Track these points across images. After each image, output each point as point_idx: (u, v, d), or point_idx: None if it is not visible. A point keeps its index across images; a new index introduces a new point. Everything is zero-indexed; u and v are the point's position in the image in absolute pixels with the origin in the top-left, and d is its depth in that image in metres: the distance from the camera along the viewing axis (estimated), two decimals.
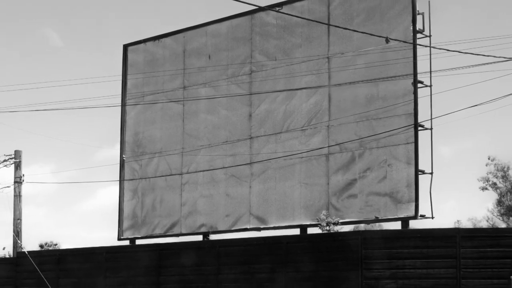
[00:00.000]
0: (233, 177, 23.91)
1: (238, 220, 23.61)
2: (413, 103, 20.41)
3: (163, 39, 26.54)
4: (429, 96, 20.48)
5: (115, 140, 27.95)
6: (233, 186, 23.88)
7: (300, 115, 22.69)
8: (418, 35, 20.58)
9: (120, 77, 27.33)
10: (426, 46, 20.38)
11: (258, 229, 23.16)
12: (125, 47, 27.46)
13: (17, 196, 28.95)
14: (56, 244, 48.21)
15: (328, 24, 21.95)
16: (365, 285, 18.79)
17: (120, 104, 27.16)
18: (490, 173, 51.70)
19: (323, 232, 20.93)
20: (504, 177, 51.40)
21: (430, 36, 20.68)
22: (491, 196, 54.12)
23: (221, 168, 24.21)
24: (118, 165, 27.06)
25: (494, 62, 19.05)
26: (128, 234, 26.42)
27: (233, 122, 24.18)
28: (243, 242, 21.72)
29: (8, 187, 29.06)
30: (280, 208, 22.72)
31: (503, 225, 50.11)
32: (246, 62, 24.08)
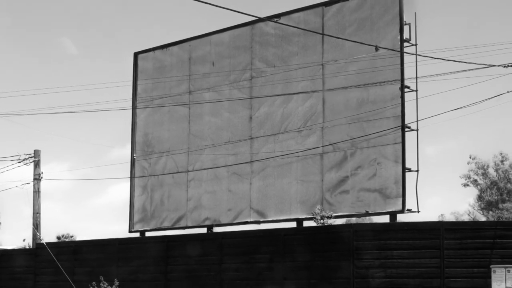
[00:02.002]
0: (235, 175, 23.89)
1: (240, 214, 23.60)
2: (400, 106, 20.39)
3: (170, 48, 26.51)
4: (415, 100, 20.48)
5: (126, 140, 27.85)
6: (235, 183, 23.86)
7: (297, 118, 22.67)
8: (405, 44, 20.57)
9: (131, 83, 27.33)
10: (412, 54, 20.38)
11: (258, 222, 23.15)
12: (136, 55, 27.44)
13: (36, 192, 28.93)
14: (72, 236, 48.15)
15: (322, 34, 21.93)
16: (356, 273, 18.77)
17: (131, 107, 27.14)
18: (471, 171, 51.72)
19: (318, 225, 20.91)
20: (484, 175, 51.41)
21: (416, 44, 20.69)
22: (472, 192, 54.17)
23: (223, 166, 24.19)
24: (129, 163, 27.04)
25: (475, 69, 19.05)
26: (138, 227, 26.41)
27: (235, 124, 24.16)
28: (244, 234, 21.70)
29: (28, 183, 29.07)
30: (278, 203, 22.70)
31: (483, 219, 50.09)
32: (247, 69, 24.06)
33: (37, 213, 28.76)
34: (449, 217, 51.67)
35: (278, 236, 20.56)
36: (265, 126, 23.39)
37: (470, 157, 51.79)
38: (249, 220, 23.35)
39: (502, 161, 51.28)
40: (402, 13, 20.60)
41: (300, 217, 22.07)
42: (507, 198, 49.92)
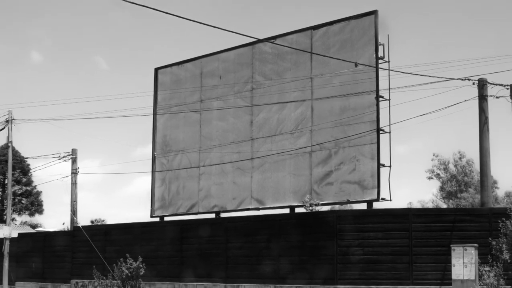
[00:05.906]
0: (239, 169, 23.89)
1: (242, 202, 23.59)
2: (375, 113, 20.40)
3: (185, 64, 26.51)
4: (388, 107, 20.51)
5: (148, 141, 27.91)
6: (238, 176, 23.86)
7: (290, 122, 22.67)
8: (380, 61, 20.59)
9: (152, 93, 27.32)
10: (386, 69, 20.39)
11: (258, 209, 23.14)
12: (156, 70, 27.44)
13: (74, 184, 28.96)
14: (103, 220, 48.21)
15: (311, 52, 21.93)
16: (339, 251, 18.78)
17: (152, 114, 27.15)
18: (434, 166, 51.70)
19: (307, 211, 20.92)
20: (445, 170, 51.39)
21: (389, 61, 20.70)
22: (435, 184, 54.13)
23: (229, 162, 24.19)
24: (151, 160, 27.06)
25: (438, 81, 19.11)
26: (158, 213, 26.41)
27: (239, 127, 24.16)
28: (246, 219, 21.70)
29: (66, 177, 29.18)
30: (274, 193, 22.70)
31: (444, 206, 50.08)
32: (248, 81, 24.06)
33: (74, 201, 28.77)
34: (416, 205, 51.66)
35: (274, 220, 20.57)
36: (264, 129, 23.39)
37: (433, 155, 51.79)
38: (250, 207, 23.34)
39: (460, 158, 51.27)
40: (377, 35, 20.61)
41: (292, 204, 22.07)
42: (464, 189, 49.92)
